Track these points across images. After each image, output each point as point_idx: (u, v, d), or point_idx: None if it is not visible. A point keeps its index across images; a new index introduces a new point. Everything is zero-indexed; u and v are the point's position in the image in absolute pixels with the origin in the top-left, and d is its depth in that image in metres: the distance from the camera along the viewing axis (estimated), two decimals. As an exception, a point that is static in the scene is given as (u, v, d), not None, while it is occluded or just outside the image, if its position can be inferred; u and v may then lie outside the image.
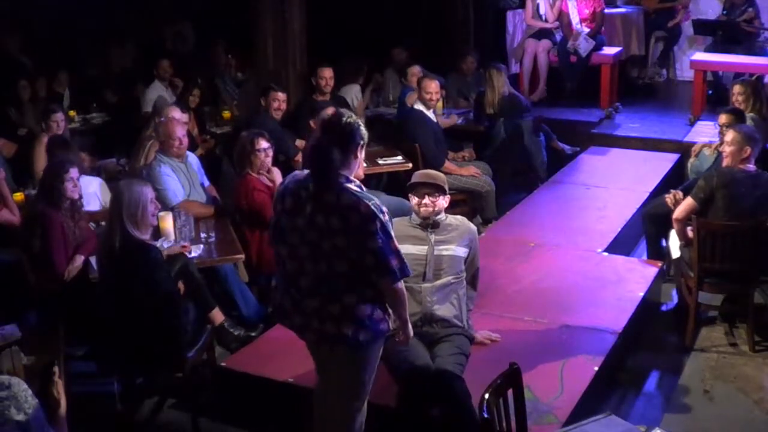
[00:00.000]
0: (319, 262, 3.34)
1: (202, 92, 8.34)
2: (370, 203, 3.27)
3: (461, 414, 3.72)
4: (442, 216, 4.24)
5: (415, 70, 7.96)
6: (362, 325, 3.35)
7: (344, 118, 3.36)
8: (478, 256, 4.32)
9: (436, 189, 4.17)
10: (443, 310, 4.11)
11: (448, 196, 4.28)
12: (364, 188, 3.41)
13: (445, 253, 4.14)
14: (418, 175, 4.29)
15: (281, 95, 7.00)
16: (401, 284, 3.40)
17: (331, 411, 3.59)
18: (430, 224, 4.19)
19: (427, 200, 4.15)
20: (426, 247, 4.14)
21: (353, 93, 8.51)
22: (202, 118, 8.19)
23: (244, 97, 8.82)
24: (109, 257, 4.45)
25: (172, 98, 8.16)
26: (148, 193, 4.50)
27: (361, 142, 3.40)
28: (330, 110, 6.14)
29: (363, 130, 3.41)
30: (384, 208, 3.33)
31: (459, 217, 4.35)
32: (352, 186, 3.33)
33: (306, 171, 3.45)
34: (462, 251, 4.18)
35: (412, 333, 3.61)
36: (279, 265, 3.55)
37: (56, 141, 6.20)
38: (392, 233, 3.34)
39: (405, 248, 3.75)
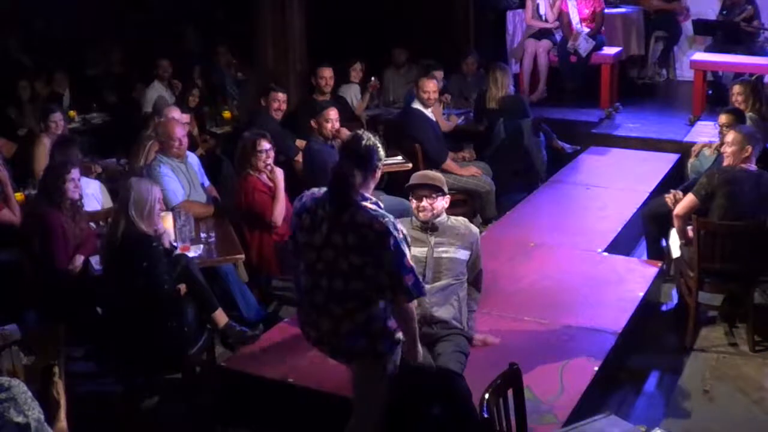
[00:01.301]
0: (334, 279, 3.38)
1: (201, 92, 8.34)
2: (384, 220, 3.32)
3: (462, 412, 3.72)
4: (443, 218, 4.21)
5: (438, 75, 7.91)
6: (379, 335, 3.42)
7: (363, 142, 3.45)
8: (481, 258, 4.29)
9: (434, 190, 4.14)
10: (442, 312, 4.10)
11: (448, 196, 4.25)
12: (381, 204, 3.46)
13: (444, 255, 4.13)
14: (416, 177, 4.28)
15: (281, 95, 7.00)
16: (414, 305, 3.46)
17: (353, 417, 3.65)
18: (429, 227, 4.18)
19: (425, 203, 4.13)
20: (426, 249, 4.13)
21: (352, 93, 8.52)
22: (201, 118, 8.19)
23: (244, 97, 8.82)
24: (111, 250, 4.47)
25: (172, 98, 8.16)
26: (157, 192, 4.58)
27: (379, 164, 3.49)
28: (331, 117, 6.20)
29: (381, 151, 3.50)
30: (399, 226, 3.38)
31: (461, 219, 4.32)
32: (368, 204, 3.39)
33: (324, 189, 3.50)
34: (462, 254, 4.16)
35: (421, 353, 3.62)
36: (296, 277, 3.60)
37: (61, 139, 6.22)
38: (407, 251, 3.36)
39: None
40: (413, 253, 4.02)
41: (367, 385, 3.54)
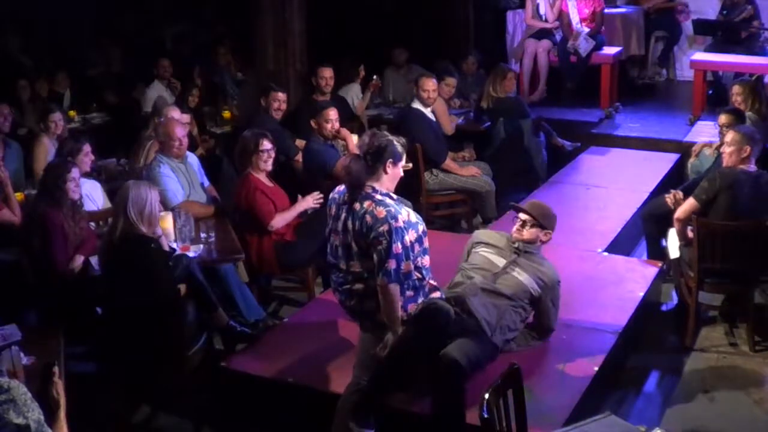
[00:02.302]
0: (350, 260, 3.78)
1: (201, 92, 8.34)
2: (384, 209, 3.68)
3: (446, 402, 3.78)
4: (536, 250, 4.30)
5: (452, 82, 7.93)
6: (380, 306, 3.70)
7: (375, 140, 3.79)
8: (550, 312, 4.30)
9: (531, 218, 4.29)
10: (477, 306, 4.09)
11: (548, 231, 4.31)
12: (394, 196, 3.82)
13: (516, 275, 4.20)
14: (528, 203, 4.49)
15: (281, 95, 7.00)
16: (394, 287, 3.68)
17: (351, 378, 3.95)
18: (519, 248, 4.27)
19: (518, 225, 4.33)
20: (504, 261, 4.26)
21: (353, 93, 8.51)
22: (201, 118, 8.18)
23: (244, 97, 8.81)
24: (109, 252, 4.47)
25: (172, 98, 8.15)
26: (156, 195, 4.57)
27: (391, 159, 3.78)
28: (330, 117, 6.22)
29: (395, 148, 3.80)
30: (400, 216, 3.67)
31: (549, 263, 4.32)
32: (376, 195, 3.75)
33: None
34: (530, 282, 4.19)
35: (393, 336, 3.71)
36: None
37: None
38: (401, 239, 3.65)
39: (482, 250, 4.32)
40: (489, 257, 4.28)
41: (365, 354, 3.87)
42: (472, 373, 3.90)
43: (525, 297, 4.19)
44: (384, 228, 3.63)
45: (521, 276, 4.19)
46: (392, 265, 3.64)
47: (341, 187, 3.91)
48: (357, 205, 3.73)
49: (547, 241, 4.38)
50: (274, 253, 5.54)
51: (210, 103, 8.69)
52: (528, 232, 4.30)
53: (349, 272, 3.79)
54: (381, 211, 3.67)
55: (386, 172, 3.79)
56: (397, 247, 3.64)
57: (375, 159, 3.76)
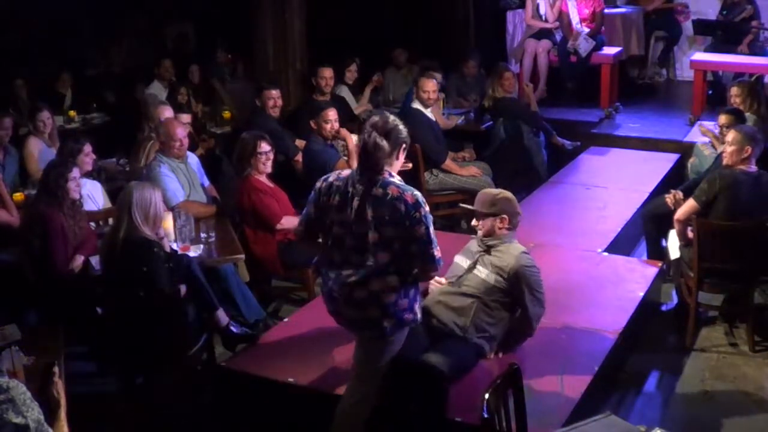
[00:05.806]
0: (362, 253, 3.54)
1: (189, 90, 8.31)
2: (411, 193, 3.52)
3: (433, 411, 3.74)
4: (499, 240, 4.20)
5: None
6: (389, 309, 3.56)
7: (390, 119, 3.64)
8: (528, 297, 4.10)
9: (479, 214, 4.24)
10: (442, 311, 4.10)
11: (502, 217, 4.21)
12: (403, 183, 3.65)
13: (478, 275, 4.16)
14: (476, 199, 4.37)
15: (275, 92, 7.00)
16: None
17: (348, 389, 3.82)
18: (481, 245, 4.23)
19: (474, 222, 4.29)
20: (468, 262, 4.23)
21: (343, 94, 8.48)
22: (196, 118, 8.17)
23: (235, 96, 8.83)
24: (111, 253, 4.47)
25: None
26: (160, 197, 4.58)
27: (404, 144, 3.64)
28: (330, 117, 6.24)
29: (405, 133, 3.66)
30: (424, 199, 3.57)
31: (513, 250, 4.19)
32: (396, 180, 3.59)
33: (348, 171, 3.71)
34: (492, 278, 4.12)
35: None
36: (323, 256, 3.74)
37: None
38: (432, 223, 3.56)
39: (457, 257, 4.30)
40: (458, 261, 4.27)
41: (366, 364, 3.73)
42: (457, 375, 3.91)
43: (494, 292, 4.11)
44: (419, 213, 3.47)
45: (482, 273, 4.14)
46: (436, 251, 3.52)
47: (343, 173, 3.68)
48: (379, 191, 3.50)
49: (508, 227, 4.22)
50: (277, 252, 5.54)
51: (208, 103, 8.68)
52: (483, 225, 4.23)
53: (357, 264, 3.54)
54: (410, 196, 3.49)
55: (398, 158, 3.64)
56: (433, 232, 3.54)
57: (392, 137, 3.56)
